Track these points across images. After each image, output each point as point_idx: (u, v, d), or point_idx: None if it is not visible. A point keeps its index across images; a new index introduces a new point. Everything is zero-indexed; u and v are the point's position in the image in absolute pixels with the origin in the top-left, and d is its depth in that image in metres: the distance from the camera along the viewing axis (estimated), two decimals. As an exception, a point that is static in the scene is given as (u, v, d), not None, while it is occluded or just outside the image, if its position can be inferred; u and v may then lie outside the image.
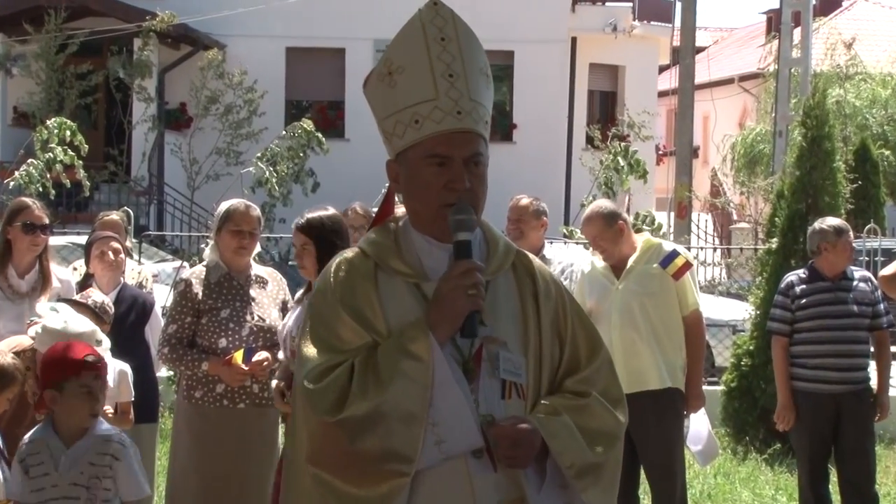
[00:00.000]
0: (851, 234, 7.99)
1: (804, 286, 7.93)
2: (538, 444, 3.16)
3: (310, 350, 3.19)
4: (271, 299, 6.76)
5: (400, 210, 3.41)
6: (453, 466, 3.12)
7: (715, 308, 15.45)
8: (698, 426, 7.66)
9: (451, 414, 3.10)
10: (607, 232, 7.33)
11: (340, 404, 3.08)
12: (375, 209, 3.51)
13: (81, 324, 5.88)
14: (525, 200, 7.89)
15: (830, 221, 8.04)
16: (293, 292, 7.26)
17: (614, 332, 7.18)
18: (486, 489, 3.13)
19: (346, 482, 3.09)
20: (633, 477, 7.48)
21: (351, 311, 3.20)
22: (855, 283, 7.92)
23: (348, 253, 3.36)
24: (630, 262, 7.34)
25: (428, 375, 3.09)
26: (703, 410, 7.61)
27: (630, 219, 11.90)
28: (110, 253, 7.31)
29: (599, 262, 7.50)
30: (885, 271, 5.17)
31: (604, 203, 7.70)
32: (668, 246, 7.54)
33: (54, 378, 5.14)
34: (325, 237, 6.08)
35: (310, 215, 6.14)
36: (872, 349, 8.09)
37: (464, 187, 3.20)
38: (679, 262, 7.33)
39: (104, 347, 5.89)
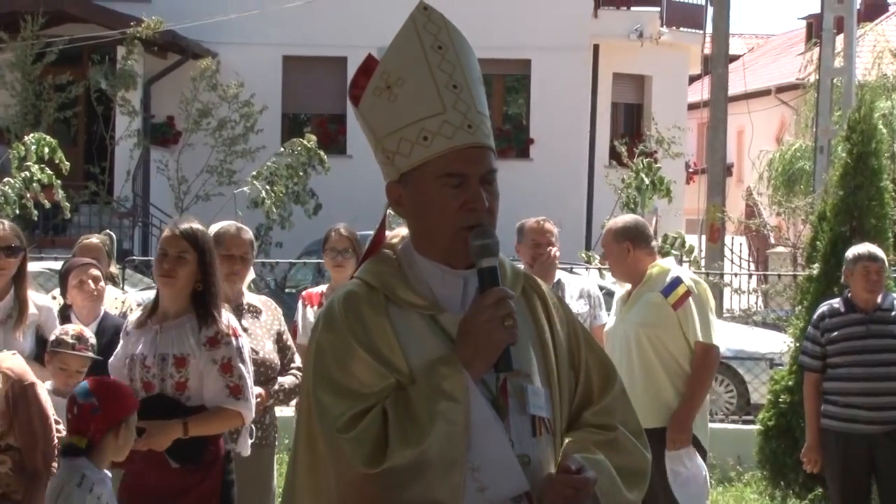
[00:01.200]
0: (877, 262, 7.93)
1: (836, 318, 7.96)
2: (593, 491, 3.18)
3: (326, 396, 3.14)
4: (265, 330, 6.77)
5: (394, 236, 3.39)
6: None
7: (751, 340, 15.44)
8: (688, 470, 7.26)
9: (493, 457, 3.10)
10: (612, 247, 7.41)
11: (379, 454, 3.05)
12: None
13: None
14: (550, 223, 7.94)
15: (853, 248, 8.08)
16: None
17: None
18: None
19: None
20: None
21: (367, 349, 3.16)
22: (894, 314, 7.92)
23: (353, 287, 3.30)
24: (636, 289, 7.38)
25: (465, 417, 3.08)
26: (691, 453, 7.29)
27: (657, 242, 11.92)
28: (90, 282, 7.32)
29: (621, 288, 7.59)
30: None
31: (625, 218, 7.78)
32: (675, 272, 7.48)
33: (125, 412, 5.40)
34: (205, 252, 5.91)
35: (194, 224, 5.97)
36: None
37: (484, 207, 3.20)
38: (680, 290, 7.28)
39: None
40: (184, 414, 5.73)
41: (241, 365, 5.87)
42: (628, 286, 7.52)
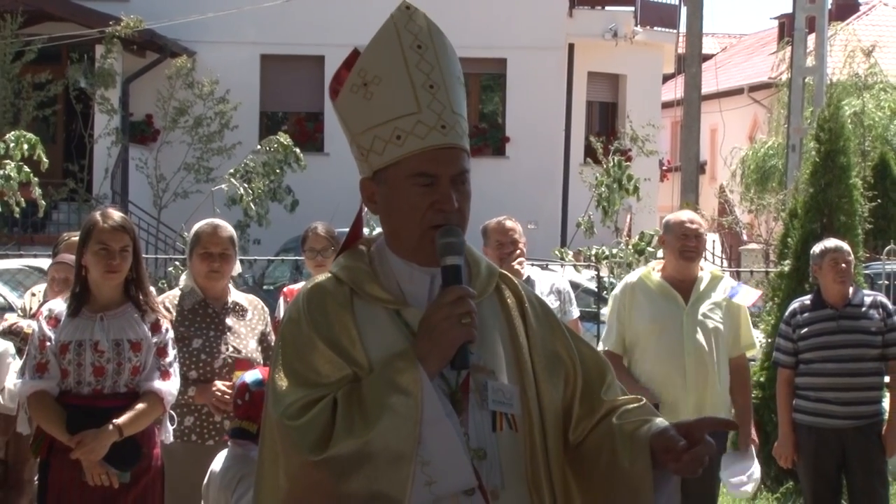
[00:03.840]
0: (842, 253, 7.96)
1: (807, 314, 7.99)
2: None
3: (284, 384, 3.16)
4: (249, 329, 6.71)
5: (372, 232, 3.42)
6: None
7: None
8: (749, 464, 7.79)
9: (443, 452, 3.09)
10: (704, 238, 7.47)
11: (324, 442, 3.05)
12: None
13: None
14: (512, 221, 7.95)
15: (819, 243, 8.13)
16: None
17: (689, 359, 7.32)
18: None
19: None
20: None
21: (327, 341, 3.18)
22: (864, 309, 7.95)
23: (320, 279, 3.32)
24: (701, 286, 7.46)
25: (417, 411, 3.07)
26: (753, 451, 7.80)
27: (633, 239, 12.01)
28: (63, 282, 7.33)
29: (655, 276, 7.56)
30: None
31: None
32: (731, 280, 7.80)
33: None
34: (137, 241, 5.98)
35: (120, 213, 6.01)
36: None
37: (453, 208, 3.20)
38: (746, 295, 7.56)
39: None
40: (109, 419, 5.73)
41: (173, 350, 5.99)
42: (633, 277, 7.71)
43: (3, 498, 6.17)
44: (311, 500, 3.08)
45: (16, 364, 6.11)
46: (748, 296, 7.58)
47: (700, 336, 7.34)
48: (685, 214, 7.63)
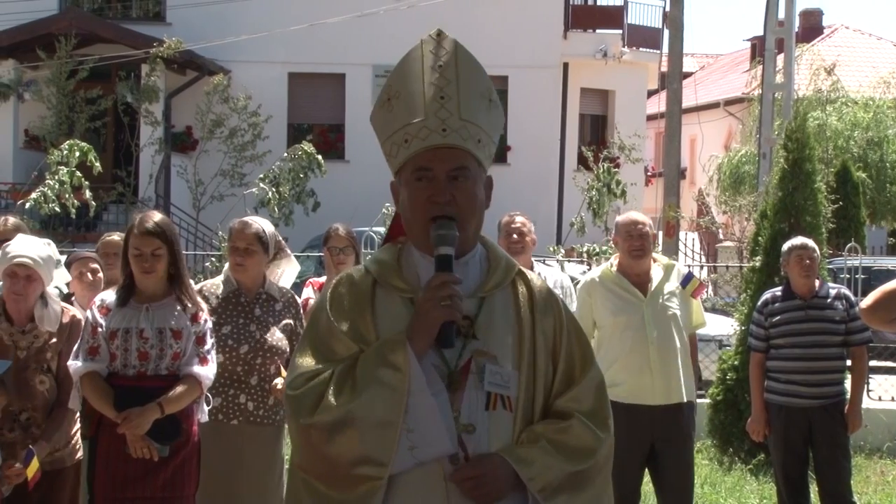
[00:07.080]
0: (808, 250, 7.94)
1: (778, 304, 7.98)
2: (505, 473, 3.14)
3: (299, 359, 3.24)
4: (276, 320, 6.60)
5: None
6: (431, 471, 3.12)
7: (702, 324, 15.40)
8: None
9: (425, 421, 3.11)
10: (650, 235, 7.36)
11: (315, 409, 3.12)
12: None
13: (37, 248, 6.04)
14: (521, 216, 7.92)
15: (788, 241, 8.10)
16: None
17: (652, 348, 7.22)
18: (460, 494, 3.13)
19: (326, 485, 3.14)
20: (639, 485, 7.50)
21: (346, 326, 3.22)
22: (829, 300, 7.93)
23: (352, 270, 3.36)
24: (656, 278, 7.36)
25: (405, 383, 3.10)
26: None
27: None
28: (88, 273, 7.31)
29: (612, 271, 7.44)
30: (863, 304, 4.93)
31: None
32: (683, 267, 7.68)
33: None
34: (173, 242, 5.90)
35: (157, 218, 5.89)
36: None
37: (444, 200, 3.19)
38: (696, 282, 7.46)
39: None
40: (151, 398, 5.70)
41: (210, 339, 5.97)
42: (595, 274, 7.54)
43: (53, 417, 6.11)
44: (310, 460, 3.17)
45: (61, 271, 6.07)
46: (696, 288, 7.46)
47: (661, 325, 7.25)
48: (631, 216, 7.45)
